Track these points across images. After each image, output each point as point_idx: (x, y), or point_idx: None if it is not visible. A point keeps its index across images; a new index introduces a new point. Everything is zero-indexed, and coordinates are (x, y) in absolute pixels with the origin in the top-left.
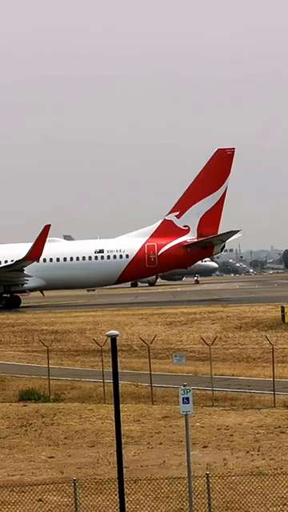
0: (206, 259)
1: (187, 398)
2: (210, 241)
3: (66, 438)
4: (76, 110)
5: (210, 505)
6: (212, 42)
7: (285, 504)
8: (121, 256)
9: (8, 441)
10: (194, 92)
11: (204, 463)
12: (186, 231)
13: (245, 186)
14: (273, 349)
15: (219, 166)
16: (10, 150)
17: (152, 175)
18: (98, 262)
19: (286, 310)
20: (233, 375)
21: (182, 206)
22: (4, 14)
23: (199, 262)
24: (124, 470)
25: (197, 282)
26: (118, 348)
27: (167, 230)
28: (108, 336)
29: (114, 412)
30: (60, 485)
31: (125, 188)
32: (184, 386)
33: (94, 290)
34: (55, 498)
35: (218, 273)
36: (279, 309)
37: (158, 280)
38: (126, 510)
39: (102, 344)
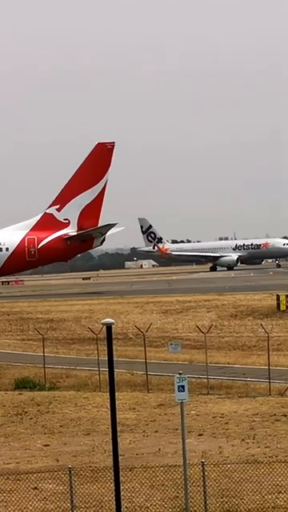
0: (286, 242)
1: (183, 386)
2: (89, 233)
3: (61, 426)
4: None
5: (205, 492)
6: (212, 42)
7: (280, 492)
8: (0, 249)
9: (3, 429)
10: (191, 91)
11: (199, 451)
12: (66, 224)
13: (241, 175)
14: (268, 337)
15: (99, 159)
16: (9, 149)
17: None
18: None
19: (281, 298)
20: (228, 363)
21: (62, 200)
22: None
23: (280, 246)
24: (119, 458)
25: (278, 265)
26: (114, 336)
27: (47, 223)
28: (103, 324)
29: (109, 400)
30: (55, 473)
31: (123, 187)
32: (179, 374)
33: (89, 279)
34: (51, 486)
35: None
36: (274, 297)
37: (239, 264)
38: (122, 497)
39: (98, 332)
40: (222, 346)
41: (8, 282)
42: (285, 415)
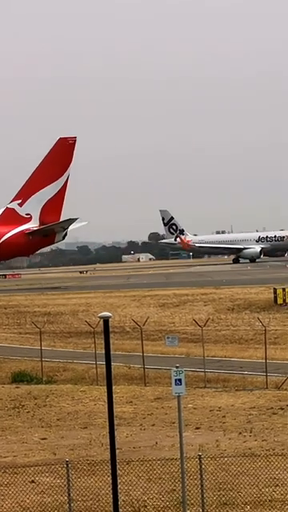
0: None
1: (180, 380)
2: (51, 228)
3: (58, 419)
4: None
5: (202, 486)
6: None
7: (277, 485)
8: None
9: (0, 422)
10: (191, 91)
11: (196, 444)
12: (28, 219)
13: (242, 170)
14: (265, 330)
15: (61, 154)
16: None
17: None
18: None
19: (278, 291)
20: (225, 357)
21: (24, 195)
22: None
23: None
24: (117, 451)
25: None
26: (111, 330)
27: (9, 218)
28: (100, 318)
29: (106, 394)
30: (53, 466)
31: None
32: (176, 367)
33: (86, 272)
34: (48, 480)
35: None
36: (271, 290)
37: (262, 256)
38: (119, 491)
39: (95, 326)
40: (218, 339)
41: (5, 276)
42: (282, 408)
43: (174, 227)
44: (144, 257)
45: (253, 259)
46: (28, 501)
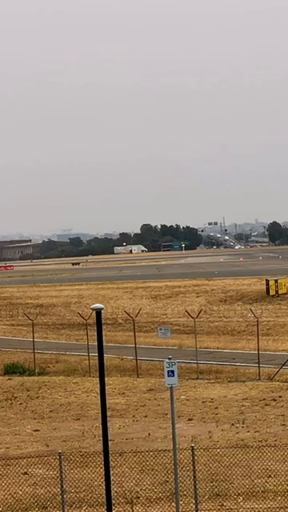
0: None
1: (172, 371)
2: None
3: (51, 411)
4: None
5: (195, 477)
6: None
7: (269, 476)
8: None
9: None
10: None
11: (189, 436)
12: None
13: (239, 162)
14: (257, 322)
15: None
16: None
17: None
18: None
19: (270, 282)
20: (217, 348)
21: None
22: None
23: None
24: (109, 442)
25: None
26: (103, 321)
27: None
28: (93, 309)
29: (99, 385)
30: (45, 458)
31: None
32: (169, 358)
33: (78, 264)
34: (40, 471)
35: (202, 246)
36: (264, 282)
37: None
38: (112, 482)
39: (87, 318)
40: (211, 330)
41: None
42: (274, 400)
43: None
44: (136, 248)
45: None
46: (21, 492)
